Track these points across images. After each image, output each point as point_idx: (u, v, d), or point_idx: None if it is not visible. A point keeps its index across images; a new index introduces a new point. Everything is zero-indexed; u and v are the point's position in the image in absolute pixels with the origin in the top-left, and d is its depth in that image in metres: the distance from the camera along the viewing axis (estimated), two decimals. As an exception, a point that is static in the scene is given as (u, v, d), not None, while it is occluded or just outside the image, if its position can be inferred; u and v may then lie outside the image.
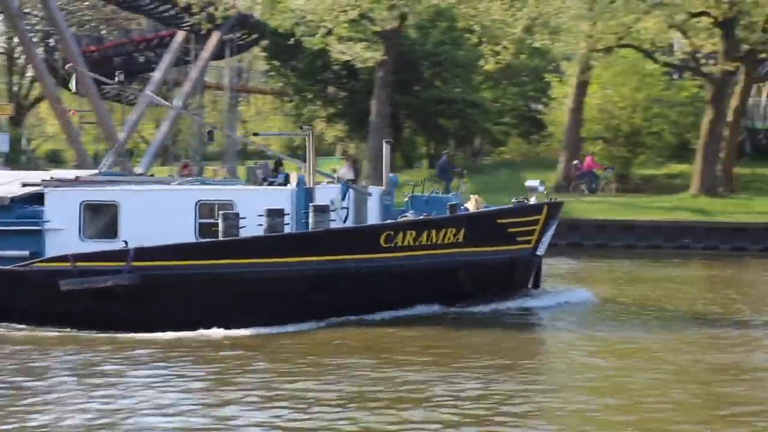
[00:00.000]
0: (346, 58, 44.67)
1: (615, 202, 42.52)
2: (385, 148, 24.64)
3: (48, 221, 22.59)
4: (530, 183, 24.65)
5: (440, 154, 47.05)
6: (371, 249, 21.43)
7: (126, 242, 21.29)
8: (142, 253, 21.04)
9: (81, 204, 22.52)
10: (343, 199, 22.65)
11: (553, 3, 42.78)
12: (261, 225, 20.98)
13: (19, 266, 21.78)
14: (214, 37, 54.75)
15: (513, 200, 23.98)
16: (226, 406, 14.55)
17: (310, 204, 21.63)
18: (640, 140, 48.30)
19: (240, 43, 59.15)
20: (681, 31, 45.42)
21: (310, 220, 21.34)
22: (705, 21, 43.77)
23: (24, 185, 23.64)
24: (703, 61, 45.09)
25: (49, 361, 18.37)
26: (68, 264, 21.00)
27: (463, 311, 21.77)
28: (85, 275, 20.90)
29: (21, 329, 21.31)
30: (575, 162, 45.92)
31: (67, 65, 26.13)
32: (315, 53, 46.93)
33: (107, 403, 14.91)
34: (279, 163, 32.12)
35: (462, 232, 21.87)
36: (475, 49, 51.76)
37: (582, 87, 47.47)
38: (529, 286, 23.91)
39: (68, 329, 21.11)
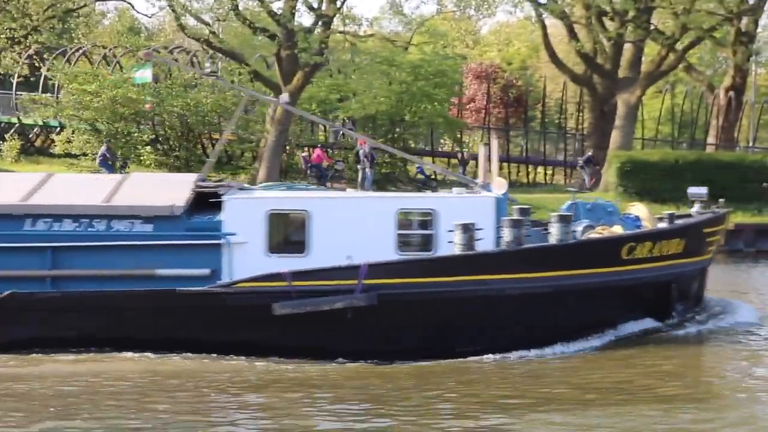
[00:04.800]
0: None
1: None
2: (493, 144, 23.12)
3: (232, 234, 19.84)
4: (695, 190, 23.95)
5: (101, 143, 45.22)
6: (613, 262, 20.76)
7: (350, 257, 19.06)
8: (378, 269, 19.24)
9: (267, 213, 19.95)
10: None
11: None
12: (501, 237, 19.89)
13: (213, 287, 19.14)
14: None
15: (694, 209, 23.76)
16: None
17: (555, 214, 20.43)
18: None
19: None
20: None
21: (554, 231, 20.09)
22: None
23: (196, 191, 20.28)
24: None
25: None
26: (284, 283, 18.77)
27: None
28: (304, 296, 18.70)
29: (208, 358, 18.94)
30: (304, 155, 45.89)
31: (142, 52, 21.87)
32: None
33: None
34: None
35: (683, 243, 21.90)
36: None
37: None
38: None
39: (271, 358, 19.13)
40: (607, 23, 51.40)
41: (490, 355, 19.58)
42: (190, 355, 19.33)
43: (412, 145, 55.11)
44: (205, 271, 19.94)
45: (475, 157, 54.90)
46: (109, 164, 43.53)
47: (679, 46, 50.67)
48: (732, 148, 53.27)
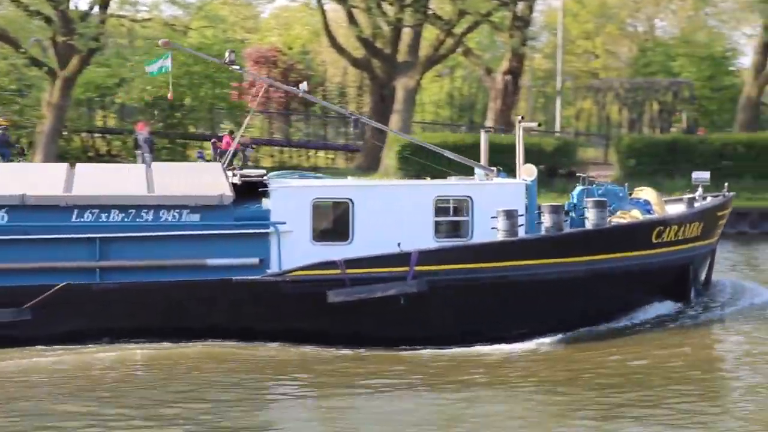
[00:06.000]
0: None
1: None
2: (483, 137, 24.49)
3: (281, 222, 20.54)
4: (699, 174, 24.29)
5: None
6: (645, 245, 21.87)
7: (399, 244, 20.19)
8: (428, 256, 20.05)
9: (312, 202, 20.85)
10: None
11: None
12: (541, 223, 21.35)
13: (268, 276, 20.13)
14: None
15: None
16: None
17: (590, 200, 20.99)
18: None
19: None
20: None
21: (591, 216, 20.76)
22: None
23: (242, 180, 20.34)
24: None
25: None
26: (338, 271, 19.04)
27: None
28: (357, 284, 18.89)
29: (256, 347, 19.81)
30: (213, 140, 44.20)
31: (161, 41, 22.09)
32: None
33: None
34: None
35: (701, 226, 23.08)
36: None
37: None
38: None
39: (322, 346, 19.91)
40: (386, 8, 52.56)
41: (538, 339, 20.81)
42: (235, 343, 19.96)
43: (192, 130, 55.17)
44: (254, 261, 20.44)
45: (257, 142, 55.80)
46: (6, 150, 42.52)
47: (457, 31, 52.27)
48: (509, 131, 55.21)
